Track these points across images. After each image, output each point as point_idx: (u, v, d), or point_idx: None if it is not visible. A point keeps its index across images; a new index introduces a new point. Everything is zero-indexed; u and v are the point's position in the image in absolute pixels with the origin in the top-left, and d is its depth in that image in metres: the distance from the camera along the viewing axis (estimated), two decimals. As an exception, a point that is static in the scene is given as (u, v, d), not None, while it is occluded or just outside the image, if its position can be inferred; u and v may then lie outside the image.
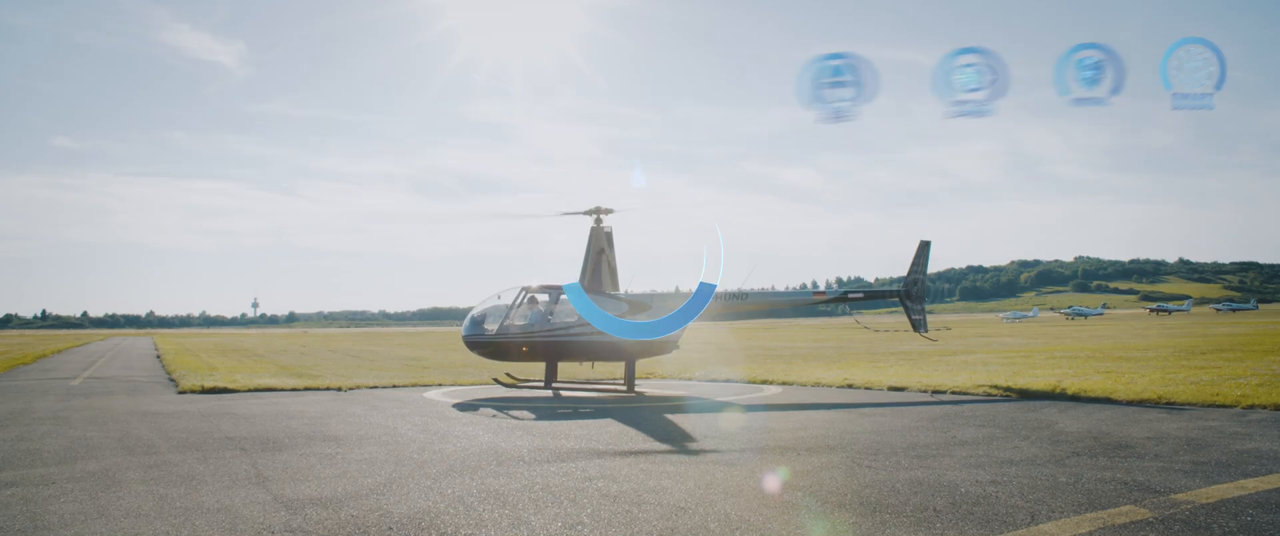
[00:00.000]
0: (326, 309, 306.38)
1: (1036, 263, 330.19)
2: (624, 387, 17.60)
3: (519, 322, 17.55)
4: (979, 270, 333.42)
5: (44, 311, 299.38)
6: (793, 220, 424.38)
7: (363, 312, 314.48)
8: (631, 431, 11.41)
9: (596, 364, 18.89)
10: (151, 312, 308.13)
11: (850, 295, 18.29)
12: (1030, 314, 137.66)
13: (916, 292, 18.22)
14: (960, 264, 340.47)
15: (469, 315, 17.90)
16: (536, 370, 20.24)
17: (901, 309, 18.43)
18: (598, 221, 17.92)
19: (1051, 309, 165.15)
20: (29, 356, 38.31)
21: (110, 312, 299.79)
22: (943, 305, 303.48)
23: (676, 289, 17.98)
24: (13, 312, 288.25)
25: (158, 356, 38.20)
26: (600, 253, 17.97)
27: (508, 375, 18.96)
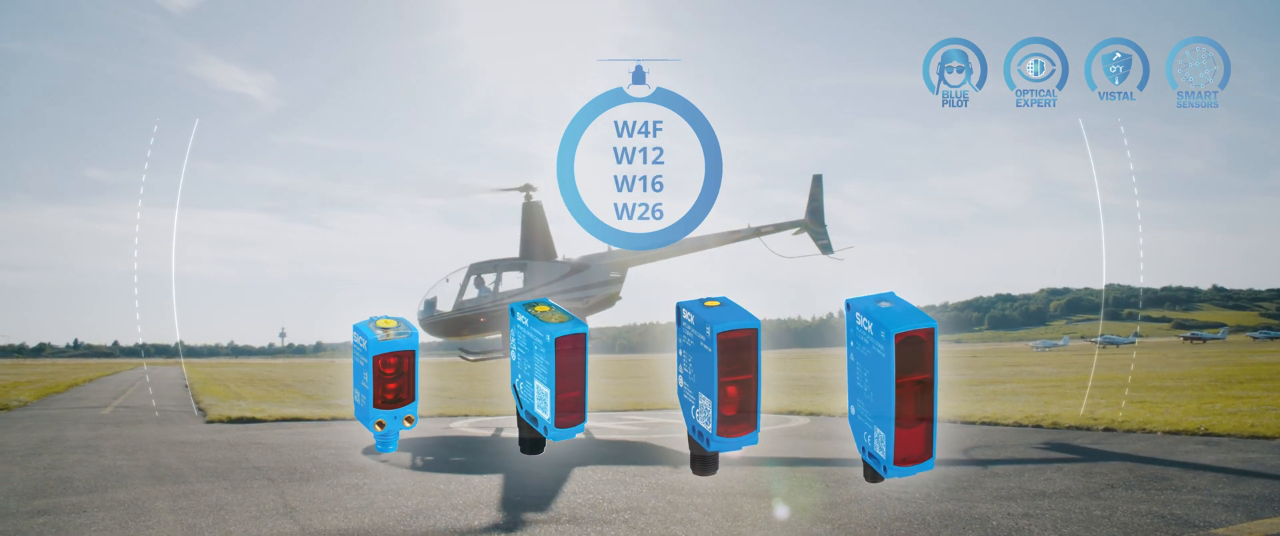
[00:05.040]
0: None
1: (1066, 290, 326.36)
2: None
3: (470, 298, 18.80)
4: (1007, 299, 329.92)
5: (76, 340, 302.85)
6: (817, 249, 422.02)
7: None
8: (657, 460, 11.34)
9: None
10: (180, 342, 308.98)
11: (762, 229, 19.35)
12: (1061, 342, 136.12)
13: (818, 220, 19.46)
14: (988, 292, 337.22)
15: (422, 298, 19.05)
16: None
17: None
18: (528, 197, 19.01)
19: (1082, 337, 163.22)
20: (61, 385, 38.73)
21: (140, 342, 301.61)
22: (971, 334, 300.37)
23: (609, 249, 18.81)
24: (46, 341, 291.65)
25: (186, 386, 38.49)
26: (533, 225, 19.09)
27: (462, 350, 19.77)
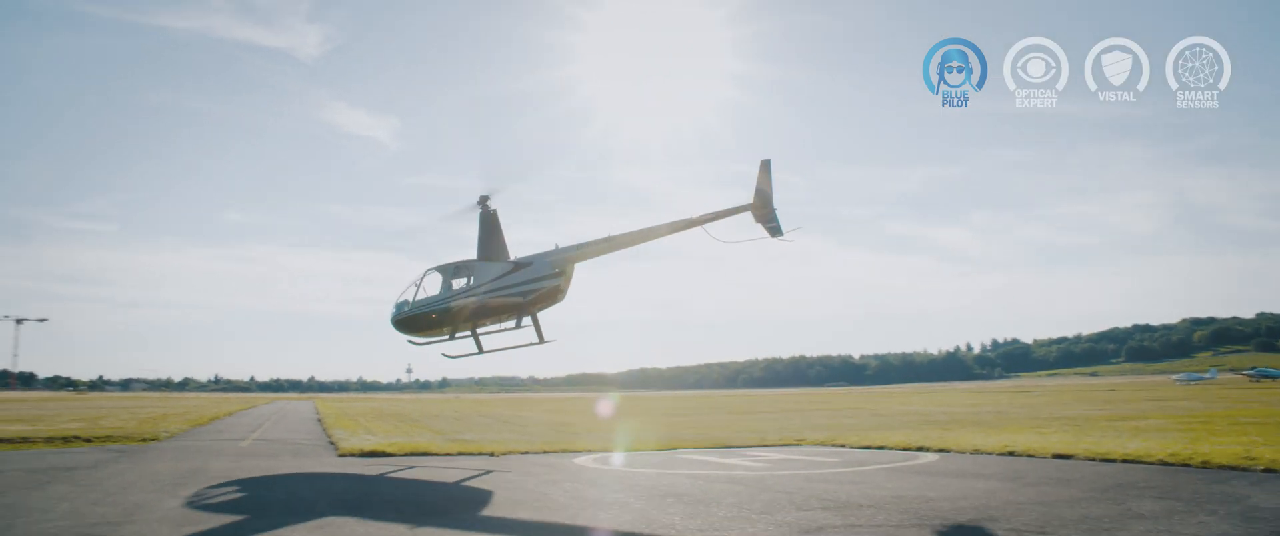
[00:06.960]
0: (477, 374, 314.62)
1: (1211, 320, 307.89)
2: (536, 340, 19.81)
3: (426, 298, 19.95)
4: (1146, 329, 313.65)
5: (217, 375, 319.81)
6: (944, 280, 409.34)
7: (512, 378, 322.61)
8: (793, 499, 11.17)
9: (504, 321, 20.94)
10: (312, 377, 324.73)
11: (701, 218, 19.10)
12: (1207, 375, 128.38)
13: (765, 203, 18.94)
14: (1125, 323, 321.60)
15: (393, 303, 20.21)
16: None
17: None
18: (484, 206, 19.93)
19: (1231, 370, 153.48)
20: (204, 418, 40.77)
21: (275, 377, 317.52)
22: (1108, 367, 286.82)
23: (556, 246, 19.73)
24: (190, 376, 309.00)
25: (318, 419, 39.96)
26: (488, 229, 19.96)
27: (412, 341, 20.66)
